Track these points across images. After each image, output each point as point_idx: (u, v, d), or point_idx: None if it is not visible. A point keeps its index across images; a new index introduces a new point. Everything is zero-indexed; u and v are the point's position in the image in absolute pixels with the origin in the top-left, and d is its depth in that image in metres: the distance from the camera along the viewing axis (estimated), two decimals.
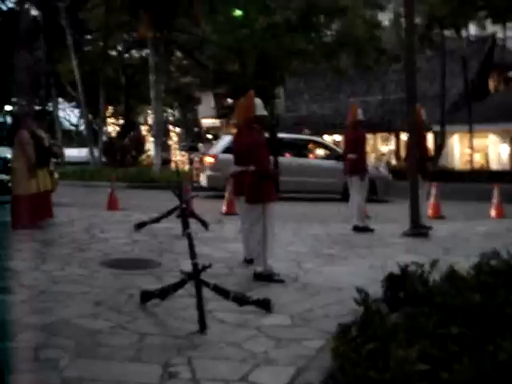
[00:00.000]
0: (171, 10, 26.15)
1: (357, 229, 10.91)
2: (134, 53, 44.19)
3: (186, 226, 5.42)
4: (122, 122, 44.58)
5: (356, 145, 10.87)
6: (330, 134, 40.17)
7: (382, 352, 3.99)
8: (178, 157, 32.71)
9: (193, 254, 5.28)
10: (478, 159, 36.04)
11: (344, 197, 15.62)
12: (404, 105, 37.85)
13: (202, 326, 5.10)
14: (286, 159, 18.43)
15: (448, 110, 34.93)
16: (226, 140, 17.98)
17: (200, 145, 37.49)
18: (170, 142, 36.12)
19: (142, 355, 4.57)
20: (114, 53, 40.25)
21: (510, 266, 6.04)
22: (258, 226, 6.92)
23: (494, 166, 35.15)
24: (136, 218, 11.23)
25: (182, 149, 34.86)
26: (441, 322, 4.52)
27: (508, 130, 34.98)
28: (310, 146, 22.70)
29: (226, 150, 16.54)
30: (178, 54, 39.27)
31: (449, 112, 34.98)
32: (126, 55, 42.66)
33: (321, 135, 40.36)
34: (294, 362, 4.59)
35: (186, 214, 5.83)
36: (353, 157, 10.81)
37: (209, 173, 18.54)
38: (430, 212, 13.39)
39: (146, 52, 40.56)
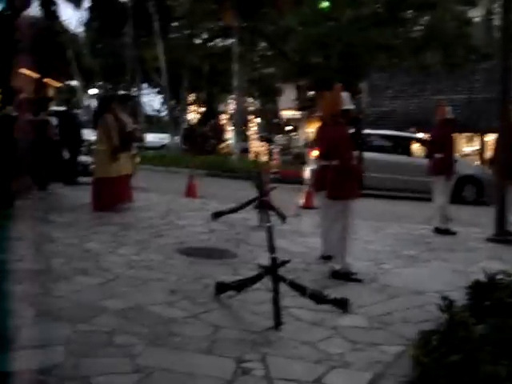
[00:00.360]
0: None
1: (438, 231, 10.56)
2: (219, 42, 44.47)
3: (266, 218, 5.29)
4: (203, 109, 44.96)
5: (443, 144, 10.50)
6: (414, 131, 39.31)
7: (468, 365, 3.77)
8: (257, 147, 32.63)
9: (272, 248, 5.15)
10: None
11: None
12: (491, 105, 36.79)
13: (278, 323, 4.98)
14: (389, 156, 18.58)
15: None
16: None
17: (278, 136, 37.36)
18: (249, 132, 36.10)
19: (216, 348, 4.49)
20: (198, 41, 40.57)
21: None
22: (338, 223, 6.74)
23: None
24: (213, 207, 11.21)
25: (260, 139, 34.77)
26: None
27: None
28: (414, 143, 21.83)
29: None
30: (262, 44, 39.20)
31: None
32: (211, 44, 42.92)
33: (403, 132, 39.68)
34: (371, 367, 4.41)
35: (265, 206, 5.70)
36: (439, 156, 10.44)
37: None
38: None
39: (230, 41, 40.79)
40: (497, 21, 43.50)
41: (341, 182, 6.63)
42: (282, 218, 10.23)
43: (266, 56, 41.00)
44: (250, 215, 10.27)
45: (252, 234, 9.09)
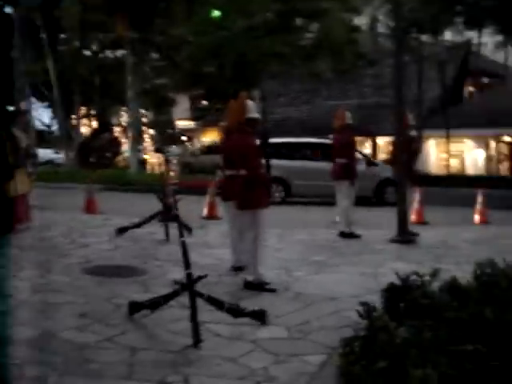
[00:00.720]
0: (149, 10, 25.75)
1: (343, 235, 10.69)
2: (109, 53, 43.67)
3: (181, 233, 5.13)
4: (95, 122, 43.98)
5: (345, 149, 10.64)
6: (307, 137, 40.01)
7: (396, 371, 3.76)
8: (154, 159, 32.26)
9: (187, 264, 4.99)
10: (454, 164, 36.13)
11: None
12: (381, 109, 37.92)
13: (197, 340, 4.82)
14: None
15: (424, 114, 34.96)
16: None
17: (173, 147, 37.03)
18: (144, 144, 35.63)
19: (135, 372, 4.29)
20: (88, 52, 39.67)
21: (510, 279, 5.81)
22: (249, 233, 6.65)
23: (470, 171, 35.24)
24: (116, 223, 10.88)
25: (155, 151, 34.42)
26: (451, 337, 4.29)
27: (483, 135, 35.13)
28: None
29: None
30: (154, 54, 38.81)
31: (425, 117, 35.01)
32: (102, 55, 42.10)
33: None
34: (296, 379, 4.35)
35: (171, 219, 5.53)
36: (342, 161, 10.57)
37: None
38: (413, 217, 13.21)
39: (121, 52, 40.10)
40: (381, 28, 45.08)
41: (250, 191, 6.54)
42: (188, 230, 10.04)
43: (159, 66, 40.63)
44: (155, 229, 10.04)
45: (159, 249, 8.88)
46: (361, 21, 37.69)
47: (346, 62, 32.29)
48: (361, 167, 18.51)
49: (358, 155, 21.59)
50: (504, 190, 23.13)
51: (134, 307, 5.45)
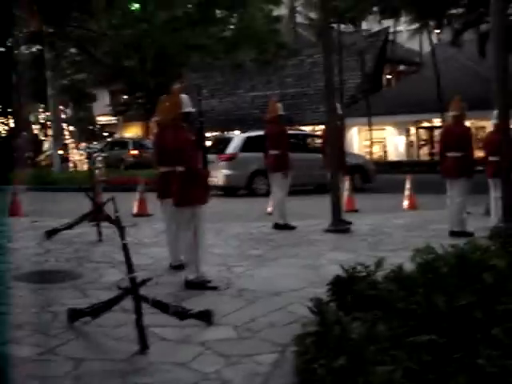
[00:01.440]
0: (66, 3, 25.01)
1: (278, 226, 10.62)
2: (24, 49, 42.32)
3: (122, 235, 4.90)
4: (12, 121, 42.56)
5: (278, 140, 10.56)
6: (231, 129, 39.96)
7: (356, 368, 3.68)
8: (76, 156, 31.44)
9: (130, 267, 4.78)
10: (377, 151, 36.79)
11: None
12: (302, 98, 38.11)
13: (143, 346, 4.62)
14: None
15: (346, 102, 35.42)
16: (241, 138, 19.17)
17: (95, 143, 36.31)
18: (66, 141, 34.68)
19: None
20: (2, 49, 38.31)
21: (451, 264, 5.83)
22: (188, 231, 6.46)
23: (392, 157, 35.98)
24: (44, 225, 10.47)
25: (77, 148, 33.57)
26: (404, 329, 4.25)
27: (404, 121, 35.90)
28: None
29: (244, 148, 18.15)
30: (72, 49, 37.82)
31: (347, 105, 35.48)
32: (16, 51, 40.75)
33: (222, 131, 40.15)
34: (251, 380, 4.21)
35: (115, 220, 5.30)
36: (275, 153, 10.49)
37: (227, 172, 18.02)
38: (344, 206, 13.27)
39: (37, 48, 38.90)
40: (300, 18, 45.37)
41: (188, 187, 6.36)
42: (119, 228, 9.74)
43: (77, 61, 39.66)
44: (87, 230, 9.72)
45: (93, 250, 8.59)
46: (281, 11, 37.84)
47: (268, 52, 32.33)
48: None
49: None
50: (426, 175, 23.67)
51: (74, 315, 5.20)
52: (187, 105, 6.49)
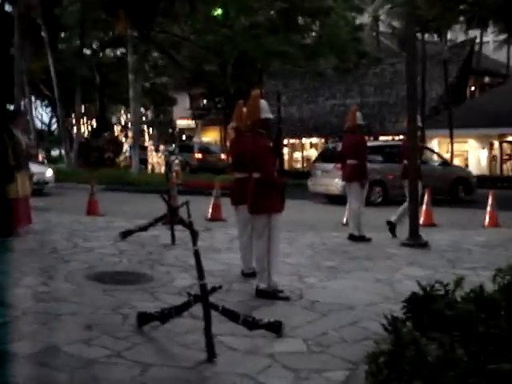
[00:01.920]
0: (150, 8, 25.43)
1: (353, 238, 10.39)
2: (109, 52, 43.41)
3: (194, 241, 4.82)
4: (95, 122, 43.68)
5: (356, 150, 10.34)
6: (309, 137, 39.80)
7: None
8: (155, 158, 31.93)
9: (201, 274, 4.69)
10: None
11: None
12: (382, 108, 37.53)
13: (211, 355, 4.52)
14: None
15: (427, 114, 34.70)
16: None
17: (173, 146, 36.85)
18: (145, 144, 35.33)
19: None
20: (88, 51, 39.36)
21: None
22: (262, 239, 6.34)
23: (474, 171, 34.95)
24: (119, 225, 10.60)
25: (157, 151, 34.12)
26: (484, 354, 4.00)
27: (487, 135, 34.86)
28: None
29: None
30: (155, 53, 38.54)
31: (428, 116, 34.74)
32: (102, 54, 41.84)
33: (300, 138, 40.03)
34: None
35: (189, 224, 5.23)
36: (353, 162, 10.28)
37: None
38: (421, 219, 12.90)
39: (120, 51, 39.80)
40: (382, 27, 44.85)
41: (264, 195, 6.24)
42: (192, 233, 9.71)
43: (159, 65, 40.42)
44: (161, 232, 9.76)
45: (166, 253, 8.59)
46: (363, 20, 37.49)
47: (349, 60, 32.04)
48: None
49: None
50: (510, 191, 22.88)
51: (143, 318, 5.15)
52: (266, 111, 6.38)
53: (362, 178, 10.29)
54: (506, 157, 36.04)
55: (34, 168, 18.46)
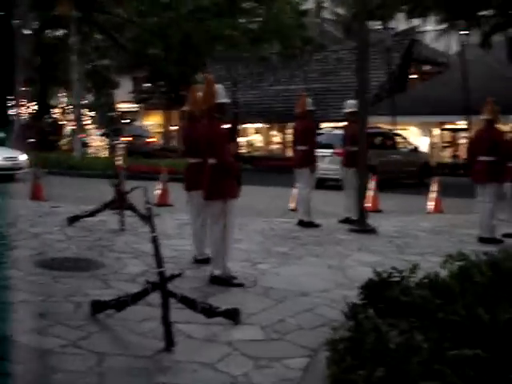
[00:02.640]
0: None
1: (302, 224, 10.41)
2: (50, 32, 42.30)
3: (152, 227, 4.71)
4: (35, 104, 42.55)
5: (306, 136, 10.34)
6: (253, 122, 39.72)
7: (398, 381, 3.48)
8: (97, 142, 31.37)
9: (159, 261, 4.60)
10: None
11: None
12: (326, 95, 37.73)
13: (169, 343, 4.45)
14: None
15: (370, 101, 35.05)
16: None
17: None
18: (87, 127, 34.61)
19: (106, 383, 3.89)
20: (28, 31, 38.25)
21: (486, 273, 5.60)
22: (217, 225, 6.28)
23: None
24: (66, 211, 10.36)
25: (101, 134, 33.51)
26: (444, 340, 4.05)
27: (428, 122, 35.48)
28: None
29: None
30: (97, 35, 37.73)
31: (371, 103, 35.10)
32: (42, 34, 40.72)
33: (244, 123, 39.90)
34: None
35: (147, 211, 5.11)
36: (303, 148, 10.27)
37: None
38: (368, 205, 13.02)
39: (62, 32, 38.81)
40: (327, 13, 44.99)
41: (220, 181, 6.17)
42: (144, 218, 9.56)
43: (102, 47, 39.58)
44: (109, 218, 9.58)
45: (115, 239, 8.43)
46: (308, 5, 37.51)
47: (294, 46, 32.05)
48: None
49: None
50: (449, 177, 23.33)
51: (98, 307, 5.04)
52: (222, 95, 6.30)
53: (311, 164, 10.31)
54: (445, 144, 36.80)
55: (5, 153, 18.14)
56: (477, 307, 4.38)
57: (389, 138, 23.92)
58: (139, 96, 46.72)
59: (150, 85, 46.08)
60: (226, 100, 6.33)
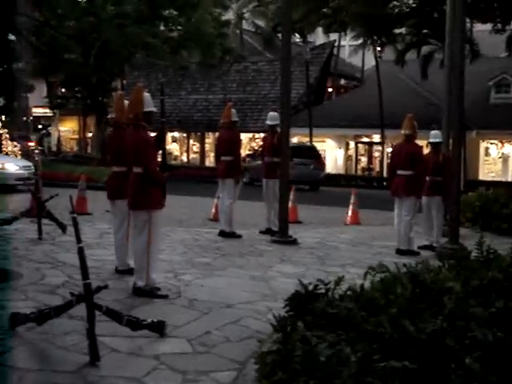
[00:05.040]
0: None
1: (223, 234, 10.38)
2: None
3: (78, 237, 4.58)
4: None
5: (230, 146, 10.31)
6: (170, 131, 39.47)
7: None
8: (9, 147, 30.35)
9: (85, 273, 4.47)
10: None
11: None
12: (244, 105, 37.89)
13: (94, 358, 4.32)
14: None
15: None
16: None
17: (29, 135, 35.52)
18: None
19: None
20: None
21: (408, 285, 5.71)
22: (141, 236, 6.16)
23: (330, 169, 36.18)
24: None
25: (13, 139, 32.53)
26: (371, 352, 4.09)
27: (343, 135, 36.27)
28: None
29: None
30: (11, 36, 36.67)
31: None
32: None
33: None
34: None
35: (73, 220, 4.97)
36: (228, 159, 10.24)
37: None
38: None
39: None
40: (246, 25, 45.34)
41: (145, 191, 6.06)
42: (62, 227, 9.31)
43: (16, 49, 38.43)
44: (25, 226, 9.27)
45: (33, 249, 8.14)
46: (228, 17, 37.73)
47: (214, 56, 32.11)
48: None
49: None
50: (364, 190, 23.84)
51: (17, 320, 4.83)
52: (149, 104, 6.20)
53: (236, 175, 10.30)
54: (360, 157, 37.67)
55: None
56: (401, 319, 4.46)
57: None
58: (54, 101, 45.66)
59: (65, 90, 45.12)
60: (153, 108, 6.24)
